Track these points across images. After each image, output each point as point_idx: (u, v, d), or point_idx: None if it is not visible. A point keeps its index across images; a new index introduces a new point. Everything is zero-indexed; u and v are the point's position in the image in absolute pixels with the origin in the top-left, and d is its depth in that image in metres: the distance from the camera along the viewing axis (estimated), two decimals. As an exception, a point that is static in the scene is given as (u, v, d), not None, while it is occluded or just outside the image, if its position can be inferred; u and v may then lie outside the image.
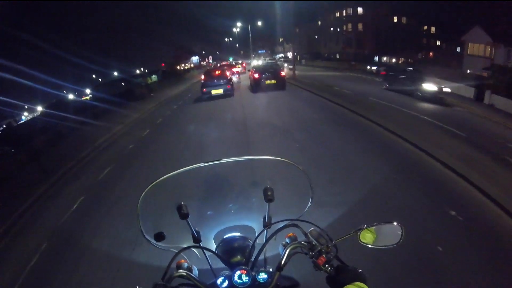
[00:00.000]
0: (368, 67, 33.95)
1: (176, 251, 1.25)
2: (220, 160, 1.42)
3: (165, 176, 1.35)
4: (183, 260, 1.26)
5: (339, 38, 49.80)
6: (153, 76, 47.13)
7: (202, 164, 1.40)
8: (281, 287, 1.19)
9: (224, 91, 16.70)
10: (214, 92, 16.62)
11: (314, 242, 1.14)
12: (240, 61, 46.12)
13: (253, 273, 1.16)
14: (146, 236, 1.33)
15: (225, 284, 1.16)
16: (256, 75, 17.96)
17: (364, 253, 1.98)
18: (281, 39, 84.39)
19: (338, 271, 1.06)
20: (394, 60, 49.92)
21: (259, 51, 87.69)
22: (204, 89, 16.78)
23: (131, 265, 4.00)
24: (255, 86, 18.12)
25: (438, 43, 51.59)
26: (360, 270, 1.03)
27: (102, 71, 69.95)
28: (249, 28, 50.05)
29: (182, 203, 1.31)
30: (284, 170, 4.68)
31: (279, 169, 4.64)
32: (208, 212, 1.69)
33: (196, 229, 1.34)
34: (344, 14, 47.81)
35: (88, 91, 52.29)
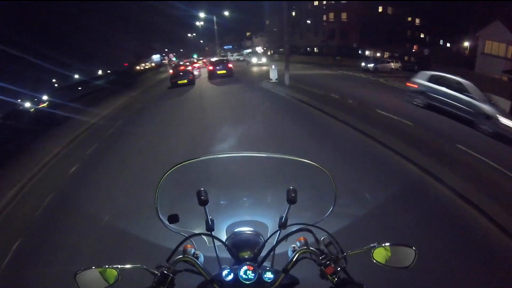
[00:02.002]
0: (363, 63, 26.45)
1: (186, 235, 1.23)
2: (242, 153, 1.38)
3: (187, 161, 1.30)
4: (190, 246, 1.24)
5: (318, 29, 42.01)
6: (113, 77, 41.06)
7: (224, 155, 1.41)
8: (282, 285, 1.12)
9: (188, 81, 20.23)
10: (180, 82, 20.08)
11: (325, 251, 1.11)
12: (201, 58, 50.14)
13: (260, 271, 1.11)
14: (160, 217, 1.29)
15: (230, 277, 1.11)
16: (211, 68, 22.50)
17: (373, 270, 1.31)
18: (248, 33, 76.44)
19: (343, 283, 1.02)
20: (378, 54, 43.42)
21: (225, 47, 79.89)
22: (173, 80, 20.43)
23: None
24: (210, 75, 22.11)
25: (422, 35, 45.93)
26: (364, 286, 0.99)
27: (63, 73, 63.78)
28: (214, 20, 41.44)
29: (202, 189, 1.26)
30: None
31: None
32: (222, 202, 1.55)
33: (211, 217, 1.28)
34: (325, 3, 40.06)
35: (45, 97, 46.40)
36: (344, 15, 38.45)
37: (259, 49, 65.77)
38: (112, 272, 1.03)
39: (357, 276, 1.04)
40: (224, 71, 21.52)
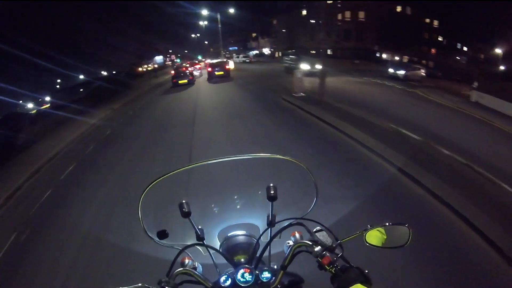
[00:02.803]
0: (391, 70, 22.25)
1: (180, 248, 1.21)
2: (217, 159, 1.29)
3: (166, 175, 1.24)
4: (187, 257, 1.22)
5: (332, 29, 37.65)
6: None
7: (201, 163, 1.30)
8: (284, 284, 1.12)
9: (188, 81, 21.47)
10: (180, 82, 21.24)
11: (320, 241, 1.08)
12: (203, 60, 50.93)
13: (257, 272, 1.10)
14: (149, 234, 1.25)
15: (228, 282, 1.09)
16: (210, 69, 23.74)
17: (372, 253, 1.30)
18: (253, 34, 72.46)
19: (343, 271, 0.98)
20: (397, 57, 39.15)
21: (230, 48, 76.29)
22: (174, 80, 21.51)
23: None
24: (209, 76, 23.28)
25: (440, 38, 41.58)
26: (366, 271, 0.95)
27: (68, 74, 65.13)
28: (218, 18, 37.37)
29: (184, 201, 1.20)
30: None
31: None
32: (214, 209, 1.47)
33: (200, 226, 1.24)
34: (340, 0, 35.70)
35: (48, 98, 48.95)
36: (361, 14, 34.08)
37: (265, 51, 61.81)
38: None
39: (357, 261, 0.97)
40: (222, 73, 22.64)
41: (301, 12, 44.76)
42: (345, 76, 21.49)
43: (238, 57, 47.91)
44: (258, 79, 21.74)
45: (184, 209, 1.17)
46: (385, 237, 1.05)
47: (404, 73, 20.97)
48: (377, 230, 1.05)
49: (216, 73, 22.41)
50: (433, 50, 40.42)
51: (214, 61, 28.01)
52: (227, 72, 22.73)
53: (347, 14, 34.75)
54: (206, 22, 51.53)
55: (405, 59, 39.75)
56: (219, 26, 36.97)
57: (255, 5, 67.23)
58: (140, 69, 59.93)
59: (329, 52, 39.10)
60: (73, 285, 3.49)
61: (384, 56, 39.77)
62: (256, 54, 59.82)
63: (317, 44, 42.60)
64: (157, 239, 1.24)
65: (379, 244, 1.06)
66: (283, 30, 50.60)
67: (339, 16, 36.02)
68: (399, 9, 37.71)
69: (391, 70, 22.09)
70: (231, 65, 31.95)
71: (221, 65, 23.47)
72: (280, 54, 49.69)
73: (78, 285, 3.49)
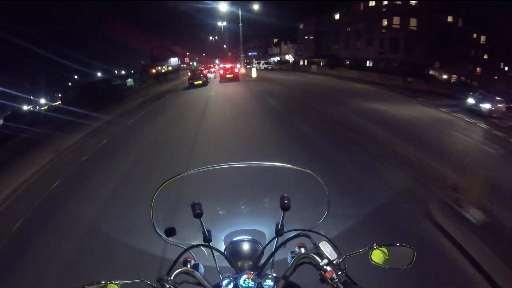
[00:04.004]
0: (472, 100, 16.02)
1: (185, 247, 1.21)
2: (235, 164, 1.32)
3: (183, 174, 1.26)
4: (190, 257, 1.20)
5: (373, 37, 31.39)
6: (129, 80, 38.14)
7: (217, 166, 1.29)
8: None
9: (202, 82, 23.74)
10: (196, 82, 23.52)
11: (324, 255, 1.06)
12: (218, 64, 52.01)
13: (259, 279, 1.08)
14: (157, 230, 1.24)
15: (230, 286, 1.08)
16: (222, 72, 27.66)
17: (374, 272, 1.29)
18: (275, 40, 67.08)
19: (343, 286, 0.98)
20: (445, 76, 32.87)
21: (249, 53, 71.33)
22: (190, 81, 23.94)
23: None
24: (221, 78, 26.76)
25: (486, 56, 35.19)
26: None
27: (85, 72, 65.38)
28: (240, 14, 31.89)
29: (197, 201, 1.20)
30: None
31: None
32: (220, 212, 1.48)
33: (208, 228, 1.23)
34: (385, 3, 29.48)
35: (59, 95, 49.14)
36: (413, 22, 27.83)
37: (288, 57, 56.14)
38: None
39: (358, 278, 0.99)
40: (232, 75, 25.67)
41: (333, 16, 38.67)
42: (410, 103, 15.34)
43: (259, 63, 42.43)
44: (309, 107, 12.38)
45: (196, 210, 1.16)
46: (387, 257, 1.04)
47: (489, 108, 15.00)
48: (382, 249, 1.03)
49: (227, 75, 25.74)
50: (478, 69, 34.37)
51: (226, 65, 30.67)
52: (236, 75, 26.24)
53: (395, 20, 28.46)
54: (225, 23, 46.42)
55: (453, 78, 33.84)
56: (240, 24, 31.55)
57: (280, 5, 61.97)
58: (153, 70, 57.54)
59: (368, 63, 33.14)
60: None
61: (430, 72, 33.71)
62: (279, 60, 54.12)
63: (352, 54, 36.75)
64: (164, 236, 1.23)
65: (382, 263, 1.04)
66: (310, 38, 44.61)
67: (385, 22, 29.77)
68: (450, 19, 31.48)
69: (472, 101, 15.92)
70: (253, 73, 28.34)
71: (231, 69, 26.75)
72: (305, 62, 43.87)
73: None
